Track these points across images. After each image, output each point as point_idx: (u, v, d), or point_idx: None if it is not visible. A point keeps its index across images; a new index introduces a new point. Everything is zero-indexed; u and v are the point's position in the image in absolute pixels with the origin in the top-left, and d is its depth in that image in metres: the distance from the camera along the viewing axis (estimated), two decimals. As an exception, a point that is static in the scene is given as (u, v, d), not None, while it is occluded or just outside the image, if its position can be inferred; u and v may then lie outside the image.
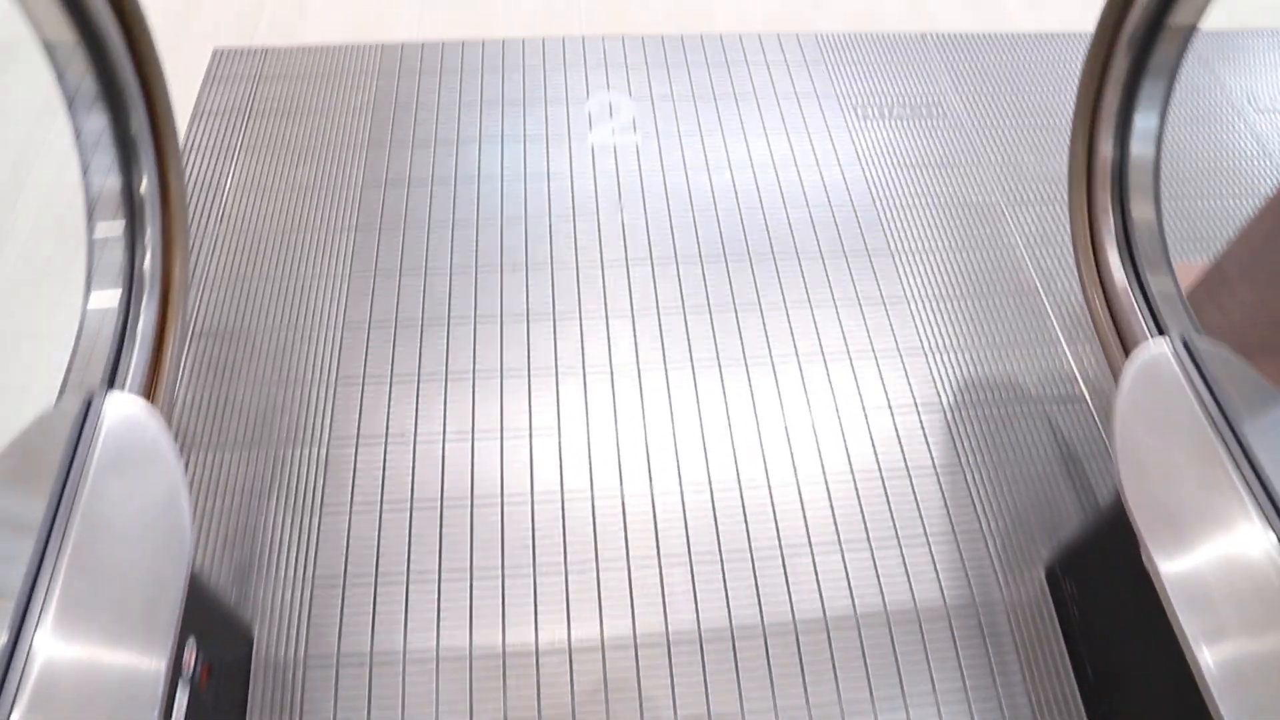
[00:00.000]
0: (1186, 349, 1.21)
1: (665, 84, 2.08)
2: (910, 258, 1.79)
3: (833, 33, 2.25)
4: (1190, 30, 1.24)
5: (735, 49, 2.18)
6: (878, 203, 1.87)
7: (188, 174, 1.86)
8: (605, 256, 1.74)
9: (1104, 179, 1.26)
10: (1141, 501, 1.13)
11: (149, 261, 1.12)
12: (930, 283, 1.75)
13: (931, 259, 1.79)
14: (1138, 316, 1.29)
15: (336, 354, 1.60)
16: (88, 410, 1.03)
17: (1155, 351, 1.23)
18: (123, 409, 1.06)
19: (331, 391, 1.56)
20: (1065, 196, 1.92)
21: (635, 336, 1.63)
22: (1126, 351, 1.32)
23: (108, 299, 1.13)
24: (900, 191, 1.90)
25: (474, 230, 1.77)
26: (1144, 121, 1.27)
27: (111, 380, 1.14)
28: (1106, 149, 1.27)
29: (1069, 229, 1.85)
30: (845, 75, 2.14)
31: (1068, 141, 2.00)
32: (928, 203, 1.88)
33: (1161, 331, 1.29)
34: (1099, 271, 1.28)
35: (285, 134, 1.94)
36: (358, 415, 1.53)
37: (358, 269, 1.71)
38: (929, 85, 2.13)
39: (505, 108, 2.01)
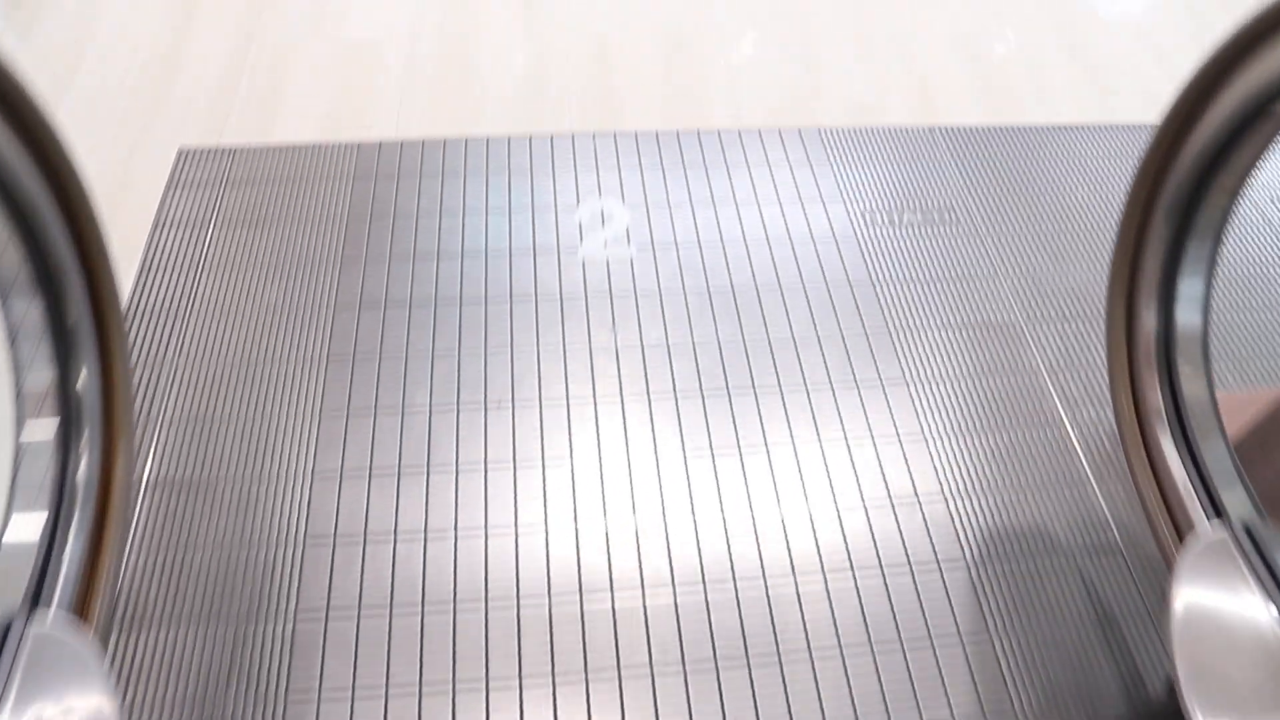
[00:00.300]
0: (1250, 536, 1.09)
1: (660, 188, 1.96)
2: (926, 386, 1.66)
3: (836, 127, 2.13)
4: (1237, 190, 1.13)
5: (734, 146, 2.06)
6: (890, 324, 1.75)
7: (147, 294, 1.72)
8: (598, 391, 1.61)
9: (1148, 353, 1.14)
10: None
11: (84, 470, 0.98)
12: (948, 415, 1.63)
13: (948, 386, 1.67)
14: (1193, 499, 1.17)
15: (305, 508, 1.46)
16: (6, 635, 0.90)
17: (1214, 538, 1.11)
18: (48, 633, 0.92)
19: (299, 554, 1.42)
20: (1086, 312, 1.81)
21: (632, 488, 1.50)
22: (1180, 535, 1.19)
23: (35, 508, 0.99)
24: (914, 310, 1.77)
25: (455, 362, 1.64)
26: (1189, 288, 1.15)
27: (37, 597, 1.00)
28: (1149, 319, 1.15)
29: (1087, 351, 1.74)
30: (851, 176, 2.02)
31: (1086, 247, 1.89)
32: (943, 322, 1.76)
33: (1219, 514, 1.16)
34: (1148, 452, 1.16)
35: (253, 247, 1.81)
36: (328, 582, 1.39)
37: (329, 407, 1.58)
38: (939, 185, 2.01)
39: (490, 216, 1.88)
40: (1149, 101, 2.28)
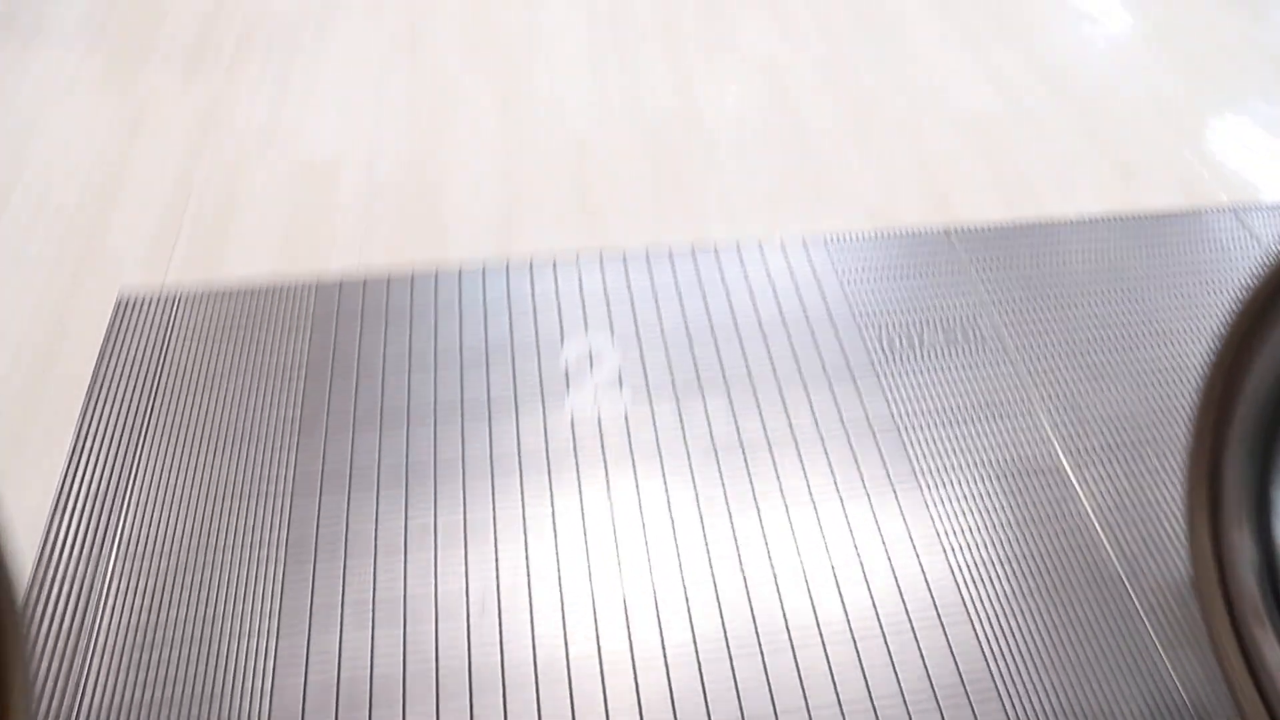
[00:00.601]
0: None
1: (654, 318, 1.77)
2: (964, 551, 1.47)
3: (842, 233, 1.95)
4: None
5: (732, 262, 1.87)
6: (919, 474, 1.56)
7: (81, 477, 1.52)
8: (596, 596, 1.41)
9: (1252, 599, 0.94)
10: None
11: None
12: (992, 584, 1.44)
13: (990, 550, 1.47)
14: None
15: (262, 749, 1.26)
16: None
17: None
18: None
19: (256, 811, 1.21)
20: (1133, 440, 1.62)
21: (641, 710, 1.30)
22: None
23: None
24: (944, 455, 1.58)
25: (432, 553, 1.44)
26: None
27: None
28: (1245, 549, 0.95)
29: (1139, 490, 1.55)
30: (862, 292, 1.83)
31: (1125, 360, 1.70)
32: (976, 464, 1.57)
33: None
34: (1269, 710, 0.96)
35: (200, 412, 1.61)
36: None
37: (290, 613, 1.38)
38: (960, 298, 1.83)
39: (465, 365, 1.69)
40: (1170, 175, 2.10)
